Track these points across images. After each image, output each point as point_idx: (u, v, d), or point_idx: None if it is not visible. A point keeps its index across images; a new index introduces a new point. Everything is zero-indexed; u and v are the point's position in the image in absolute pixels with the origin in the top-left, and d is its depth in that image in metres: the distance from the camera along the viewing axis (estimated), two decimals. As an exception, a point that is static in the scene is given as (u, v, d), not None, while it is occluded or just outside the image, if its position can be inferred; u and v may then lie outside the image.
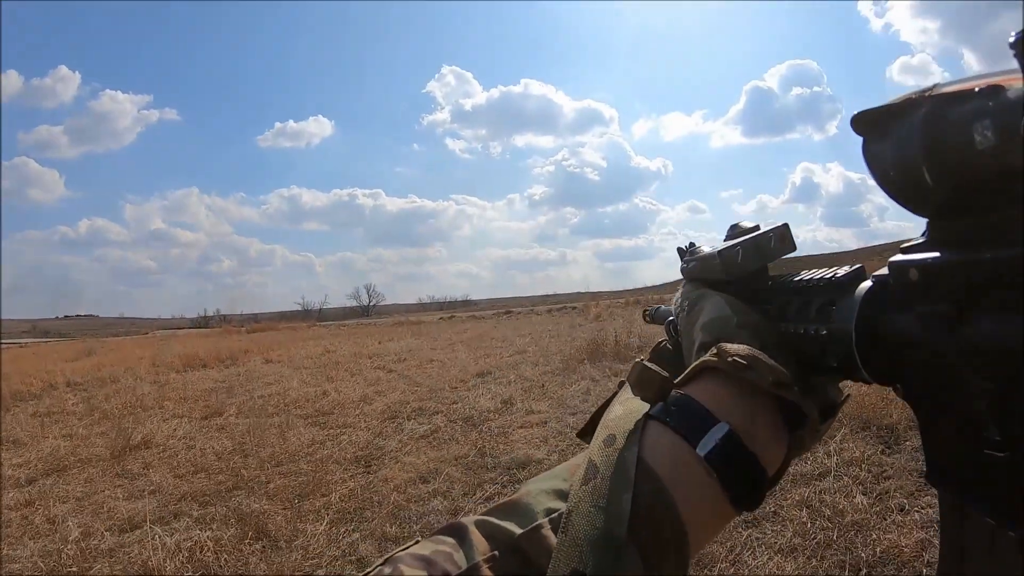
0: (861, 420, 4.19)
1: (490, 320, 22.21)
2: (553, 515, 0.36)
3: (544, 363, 8.68)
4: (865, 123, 0.32)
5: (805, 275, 0.43)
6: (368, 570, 0.34)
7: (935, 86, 0.29)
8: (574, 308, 16.81)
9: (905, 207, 0.32)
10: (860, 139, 0.33)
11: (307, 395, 8.13)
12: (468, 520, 0.37)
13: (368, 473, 4.88)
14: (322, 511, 4.10)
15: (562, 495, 0.37)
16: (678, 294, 0.54)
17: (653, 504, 0.35)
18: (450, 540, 0.35)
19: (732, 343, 0.40)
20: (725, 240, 0.50)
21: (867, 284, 0.37)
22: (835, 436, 3.95)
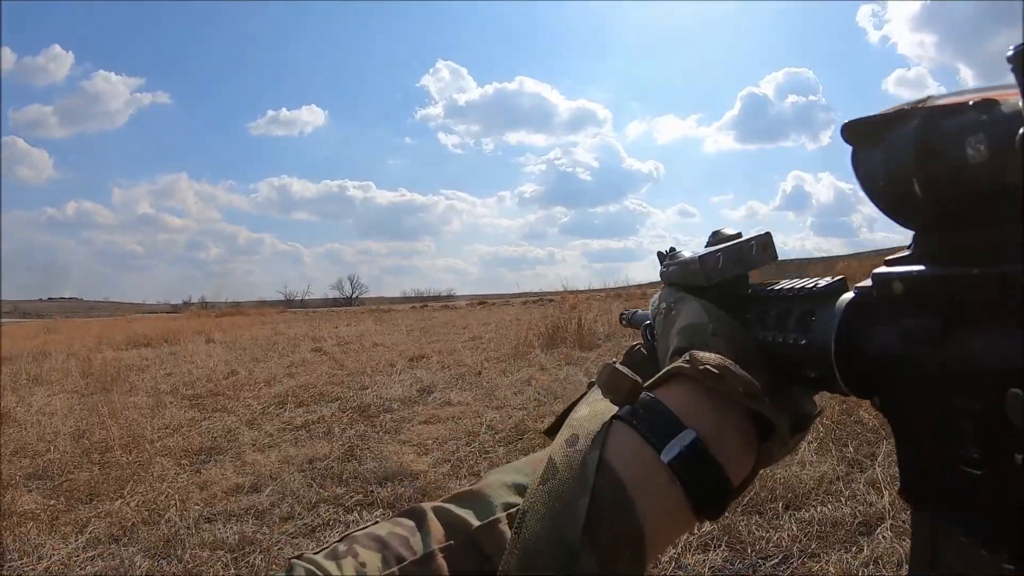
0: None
1: (462, 310, 21.15)
2: (512, 510, 0.35)
3: (493, 349, 7.38)
4: (856, 132, 0.32)
5: (786, 284, 0.42)
6: (324, 546, 0.34)
7: (928, 98, 0.28)
8: (551, 301, 15.68)
9: (893, 218, 0.31)
10: (850, 148, 0.32)
11: (214, 374, 6.99)
12: (428, 506, 0.37)
13: (195, 472, 3.55)
14: (93, 520, 2.90)
15: (522, 490, 0.36)
16: (655, 297, 0.52)
17: (613, 507, 0.33)
18: (408, 523, 0.35)
19: (706, 350, 0.38)
20: (707, 246, 0.48)
21: (849, 295, 0.36)
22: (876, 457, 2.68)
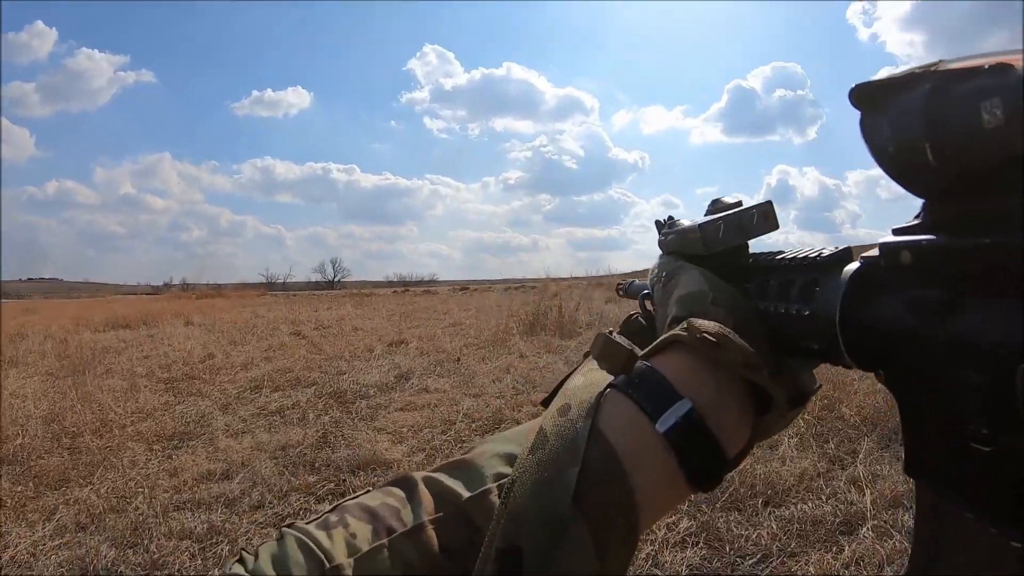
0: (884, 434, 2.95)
1: (444, 295, 20.92)
2: (502, 480, 0.35)
3: (473, 335, 7.31)
4: (863, 96, 0.30)
5: (788, 254, 0.41)
6: (315, 516, 0.34)
7: (939, 62, 0.27)
8: (533, 288, 15.67)
9: (902, 185, 0.30)
10: (857, 112, 0.31)
11: (191, 357, 6.87)
12: (418, 475, 0.36)
13: (166, 457, 3.51)
14: (61, 507, 2.85)
15: (513, 460, 0.35)
16: (654, 266, 0.52)
17: (604, 476, 0.32)
18: (399, 493, 0.35)
19: (706, 319, 0.37)
20: (706, 215, 0.47)
21: (854, 265, 0.34)
22: (858, 454, 2.70)
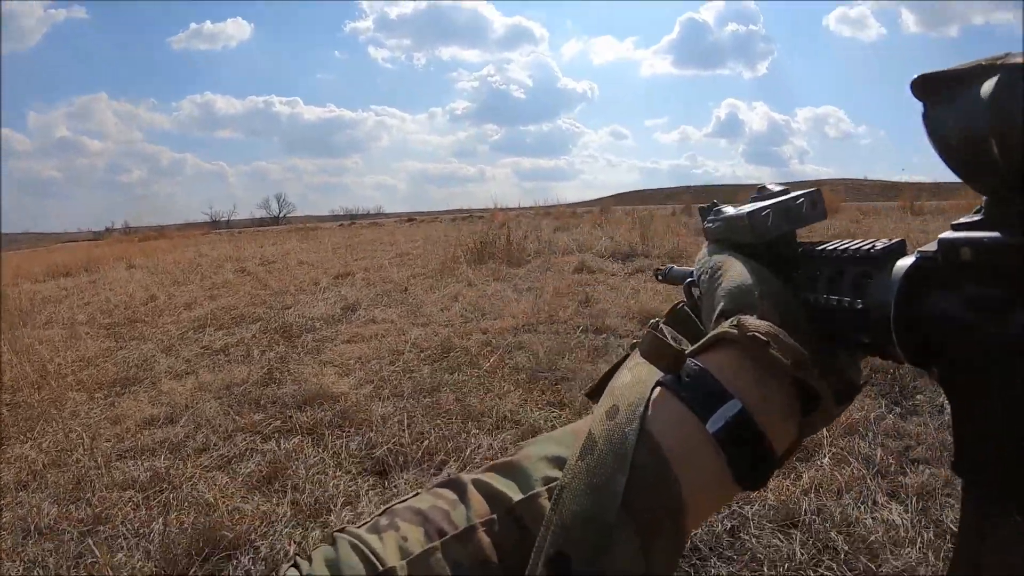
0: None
1: (390, 227, 20.64)
2: (551, 484, 0.34)
3: (420, 265, 7.22)
4: (927, 87, 0.30)
5: (839, 244, 0.40)
6: (366, 520, 0.35)
7: (1007, 55, 0.27)
8: (481, 217, 15.56)
9: (965, 180, 0.30)
10: (920, 104, 0.31)
11: (132, 301, 6.66)
12: (467, 477, 0.36)
13: (109, 406, 3.40)
14: (2, 468, 2.73)
15: (561, 463, 0.35)
16: (700, 255, 0.50)
17: (653, 479, 0.33)
18: (450, 496, 0.35)
19: (754, 314, 0.37)
20: (751, 201, 0.47)
21: (910, 259, 0.33)
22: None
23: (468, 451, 2.26)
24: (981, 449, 0.29)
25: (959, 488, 0.32)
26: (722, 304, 0.40)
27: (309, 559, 0.33)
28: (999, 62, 0.26)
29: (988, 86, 0.26)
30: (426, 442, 2.34)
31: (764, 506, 1.77)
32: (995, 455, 0.29)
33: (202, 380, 3.52)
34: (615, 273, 5.93)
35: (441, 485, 0.36)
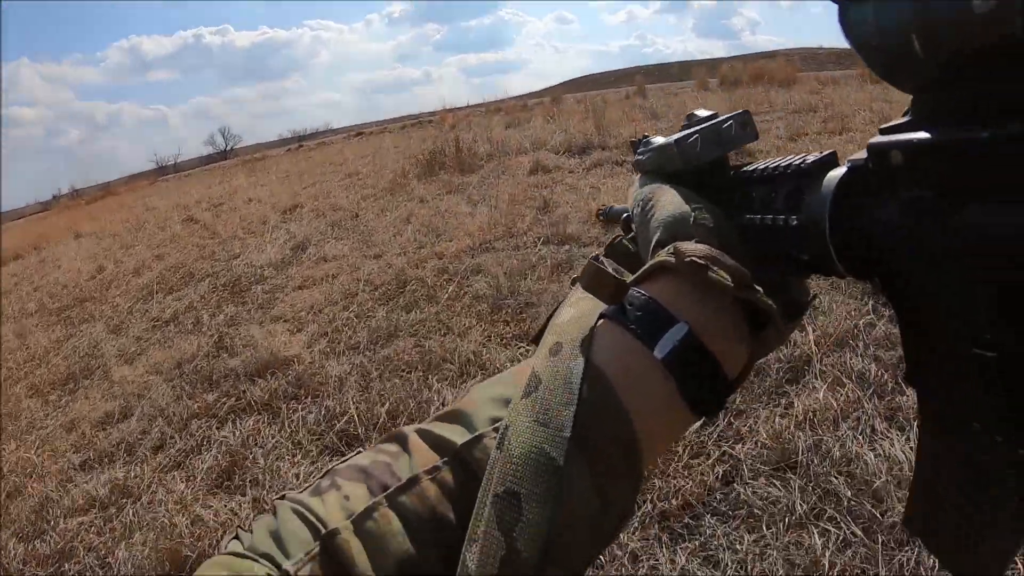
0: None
1: (339, 144, 19.30)
2: (497, 423, 0.33)
3: (371, 185, 6.81)
4: None
5: (770, 163, 0.39)
6: (306, 484, 0.34)
7: None
8: (430, 122, 14.85)
9: (888, 80, 0.29)
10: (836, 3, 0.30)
11: (81, 276, 6.34)
12: (410, 429, 0.35)
13: (63, 408, 3.22)
14: None
15: (506, 404, 0.34)
16: (632, 188, 0.49)
17: (602, 411, 0.32)
18: (391, 448, 0.34)
19: (690, 240, 0.36)
20: (682, 130, 0.45)
21: (841, 170, 0.33)
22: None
23: (432, 409, 2.07)
24: (931, 359, 0.29)
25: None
26: (658, 234, 0.39)
27: (250, 531, 0.31)
28: None
29: None
30: (387, 404, 2.14)
31: (757, 445, 1.60)
32: (946, 364, 0.28)
33: (153, 361, 3.33)
34: (572, 170, 5.56)
35: (383, 440, 0.35)
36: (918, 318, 0.29)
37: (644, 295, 0.34)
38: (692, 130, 0.43)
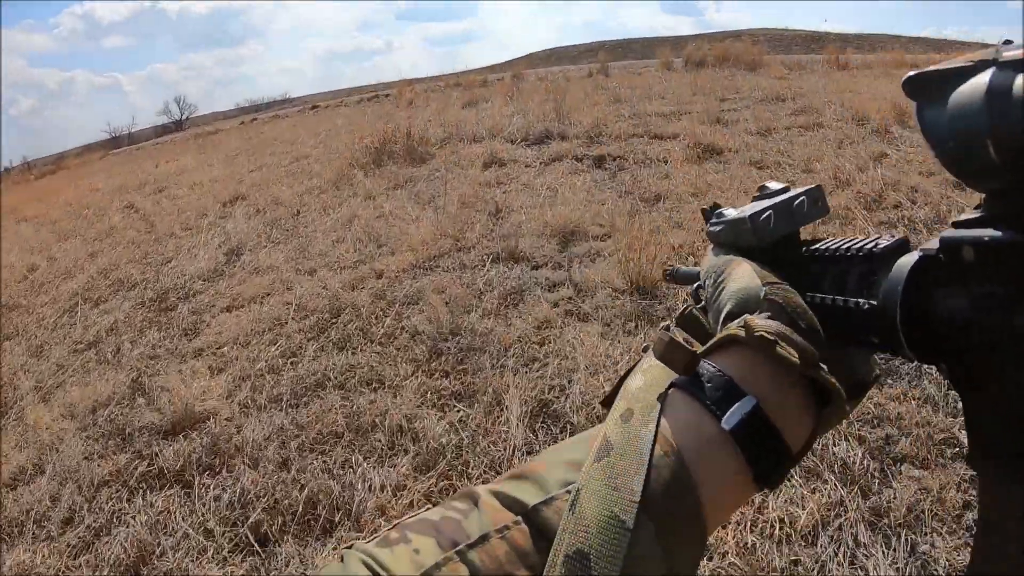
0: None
1: (293, 118, 18.19)
2: (569, 486, 0.33)
3: (317, 173, 6.41)
4: (920, 87, 0.31)
5: (843, 243, 0.40)
6: (376, 535, 0.34)
7: (998, 50, 0.27)
8: (387, 95, 14.26)
9: (962, 179, 0.30)
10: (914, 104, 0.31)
11: (12, 275, 5.87)
12: (482, 488, 0.35)
13: None
14: None
15: (578, 467, 0.34)
16: (706, 259, 0.50)
17: (670, 479, 0.32)
18: (461, 506, 0.34)
19: (760, 315, 0.38)
20: (753, 200, 0.47)
21: (913, 257, 0.34)
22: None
23: (356, 502, 1.85)
24: (993, 441, 0.29)
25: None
26: (728, 306, 0.40)
27: None
28: (991, 58, 0.26)
29: (982, 84, 0.26)
30: (306, 490, 1.92)
31: (725, 561, 1.42)
32: (1007, 447, 0.29)
33: (69, 399, 3.05)
34: (529, 164, 5.23)
35: (454, 498, 0.35)
36: (983, 404, 0.30)
37: (715, 368, 0.35)
38: (765, 205, 0.43)
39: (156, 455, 2.37)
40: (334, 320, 2.95)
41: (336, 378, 2.47)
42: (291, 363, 2.68)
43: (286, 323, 3.02)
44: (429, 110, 7.78)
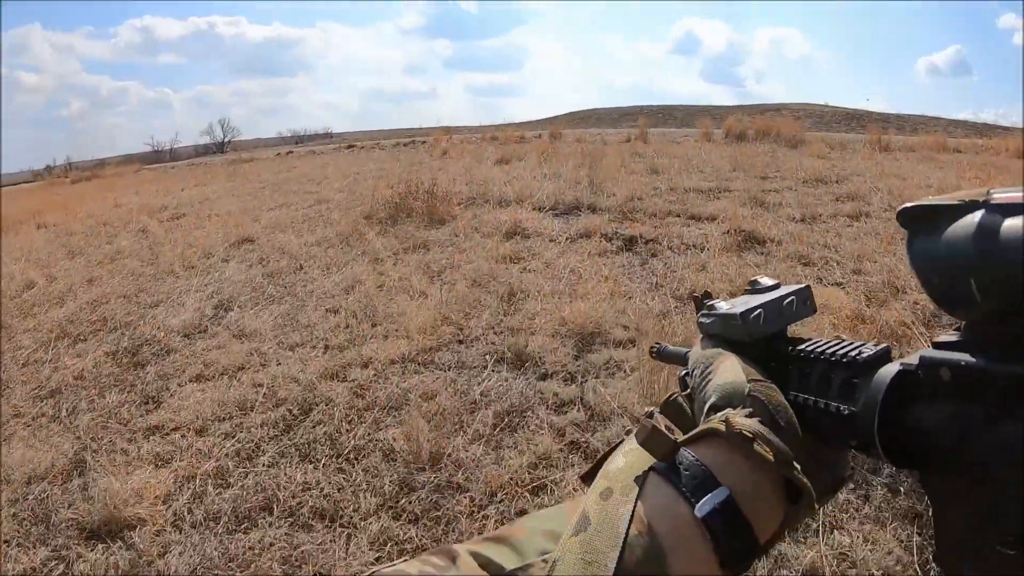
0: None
1: (328, 155, 18.63)
2: (546, 555, 0.35)
3: (335, 221, 6.17)
4: (912, 218, 0.33)
5: (828, 347, 0.42)
6: None
7: (988, 192, 0.29)
8: (424, 142, 14.35)
9: (943, 309, 0.32)
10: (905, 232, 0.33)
11: (11, 287, 5.71)
12: (461, 547, 0.36)
13: None
14: None
15: (555, 537, 0.36)
16: (695, 347, 0.51)
17: (644, 558, 0.34)
18: (440, 563, 0.35)
19: (742, 411, 0.39)
20: (744, 294, 0.49)
21: (893, 368, 0.35)
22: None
23: None
24: (958, 546, 0.31)
25: None
26: (713, 399, 0.41)
27: None
28: (982, 199, 0.28)
29: (970, 224, 0.28)
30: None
31: None
32: (970, 554, 0.30)
33: (12, 459, 2.73)
34: (554, 238, 4.93)
35: (432, 553, 0.35)
36: (951, 511, 0.31)
37: (693, 456, 0.36)
38: (757, 303, 0.44)
39: (73, 561, 2.03)
40: (303, 417, 2.61)
41: (286, 500, 2.10)
42: (243, 468, 2.33)
43: (251, 410, 2.68)
44: (461, 163, 7.56)
